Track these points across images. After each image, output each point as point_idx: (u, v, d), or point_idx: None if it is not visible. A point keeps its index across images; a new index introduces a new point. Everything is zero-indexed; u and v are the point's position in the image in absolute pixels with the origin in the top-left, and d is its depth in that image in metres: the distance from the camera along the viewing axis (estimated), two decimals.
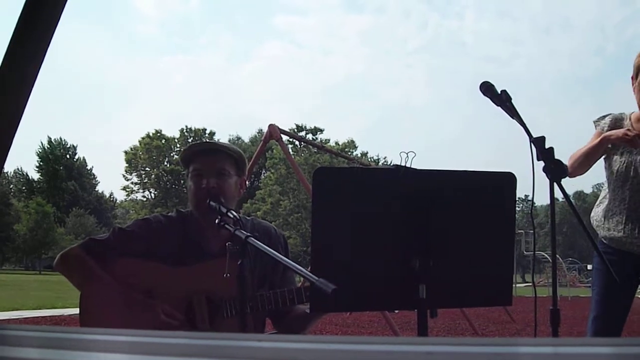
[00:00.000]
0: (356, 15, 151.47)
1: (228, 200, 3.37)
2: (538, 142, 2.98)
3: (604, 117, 4.60)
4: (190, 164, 3.50)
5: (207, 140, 3.69)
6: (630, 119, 4.50)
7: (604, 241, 4.54)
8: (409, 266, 2.72)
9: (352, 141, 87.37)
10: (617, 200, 4.44)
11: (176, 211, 3.68)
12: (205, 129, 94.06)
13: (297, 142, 68.85)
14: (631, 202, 4.37)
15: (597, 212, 4.68)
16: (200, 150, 3.54)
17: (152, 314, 3.31)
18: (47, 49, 1.82)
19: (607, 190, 4.61)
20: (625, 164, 4.36)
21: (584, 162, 4.40)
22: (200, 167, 3.46)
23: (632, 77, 4.38)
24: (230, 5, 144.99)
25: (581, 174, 4.46)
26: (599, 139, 4.33)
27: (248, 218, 3.69)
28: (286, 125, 66.58)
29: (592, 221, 4.69)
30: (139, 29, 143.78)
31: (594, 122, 4.64)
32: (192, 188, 3.46)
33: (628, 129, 4.23)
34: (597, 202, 4.78)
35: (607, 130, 4.44)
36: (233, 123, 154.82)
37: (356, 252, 2.79)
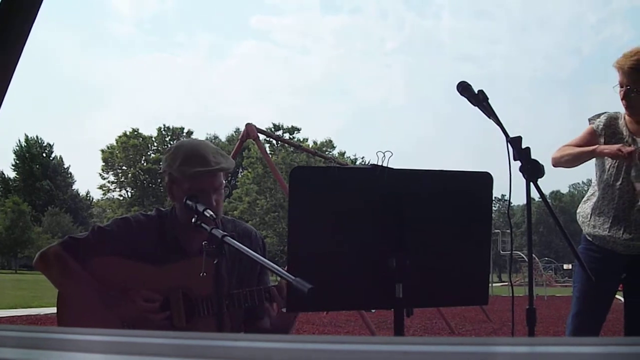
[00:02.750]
0: (333, 16, 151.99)
1: (220, 208, 3.40)
2: (515, 142, 2.99)
3: (599, 115, 4.60)
4: (189, 180, 3.41)
5: (213, 165, 3.53)
6: (624, 119, 4.50)
7: (588, 238, 4.56)
8: (386, 266, 2.72)
9: (330, 141, 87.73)
10: (606, 200, 4.46)
11: (156, 210, 3.66)
12: (183, 128, 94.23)
13: (274, 141, 69.03)
14: (620, 202, 4.39)
15: (584, 209, 4.71)
16: (205, 170, 3.46)
17: (131, 304, 3.31)
18: (23, 48, 1.81)
19: (595, 187, 4.62)
20: (617, 164, 4.37)
21: (571, 161, 4.46)
22: (202, 187, 3.37)
23: (619, 82, 4.39)
24: (207, 4, 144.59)
25: (564, 168, 4.52)
26: (592, 148, 4.32)
27: (229, 219, 3.69)
28: (263, 124, 66.71)
29: (578, 217, 4.72)
30: (115, 27, 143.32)
31: (589, 119, 4.64)
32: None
33: (622, 145, 4.22)
34: (585, 198, 4.81)
35: (602, 129, 4.47)
36: (210, 122, 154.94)
37: (333, 251, 2.79)
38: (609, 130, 4.46)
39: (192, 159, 3.43)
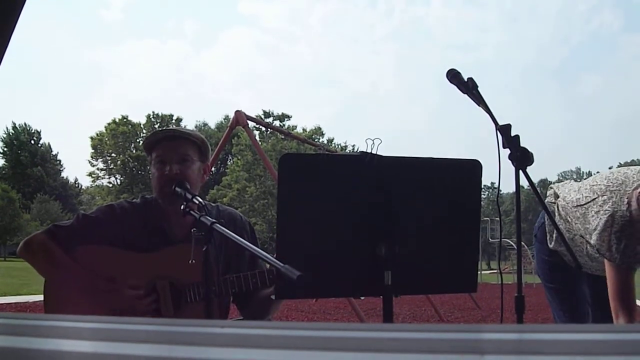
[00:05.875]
0: (322, 3, 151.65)
1: (191, 187, 3.35)
2: (504, 130, 2.98)
3: (627, 256, 3.70)
4: (153, 151, 3.47)
5: (170, 127, 3.65)
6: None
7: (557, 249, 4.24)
8: (375, 253, 2.73)
9: (319, 128, 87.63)
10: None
11: (141, 197, 3.66)
12: (172, 115, 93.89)
13: (263, 129, 68.91)
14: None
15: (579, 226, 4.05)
16: (162, 137, 3.51)
17: (117, 293, 3.31)
18: (11, 36, 1.80)
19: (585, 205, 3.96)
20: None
21: None
22: (163, 153, 3.43)
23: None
24: None
25: None
26: None
27: (214, 205, 3.68)
28: (253, 111, 66.70)
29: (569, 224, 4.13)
30: (102, 13, 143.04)
31: (616, 262, 3.74)
32: (156, 175, 3.44)
33: None
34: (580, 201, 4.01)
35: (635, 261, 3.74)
36: (199, 109, 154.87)
37: (322, 238, 2.80)
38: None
39: (155, 131, 3.62)
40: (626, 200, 3.66)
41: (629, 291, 3.77)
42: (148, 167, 3.65)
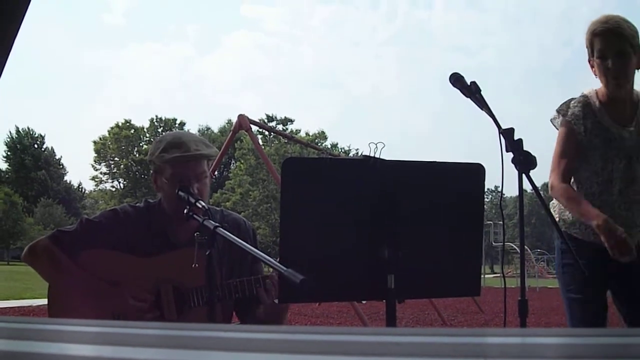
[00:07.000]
0: (324, 5, 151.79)
1: (204, 198, 3.33)
2: (507, 134, 2.98)
3: (568, 106, 4.09)
4: (170, 167, 3.40)
5: (178, 131, 3.58)
6: (598, 99, 4.07)
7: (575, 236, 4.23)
8: (378, 256, 2.72)
9: (323, 132, 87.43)
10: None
11: (144, 202, 3.65)
12: (175, 119, 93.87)
13: (266, 133, 68.87)
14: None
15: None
16: (182, 155, 3.40)
17: (121, 298, 3.31)
18: (14, 40, 1.80)
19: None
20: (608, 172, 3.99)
21: (566, 208, 4.06)
22: (182, 172, 3.36)
23: (588, 61, 4.08)
24: None
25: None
26: (595, 223, 3.75)
27: (217, 209, 3.67)
28: (256, 115, 66.52)
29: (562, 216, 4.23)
30: (105, 17, 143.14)
31: (558, 111, 4.14)
32: (171, 194, 3.39)
33: (619, 236, 3.69)
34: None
35: (581, 122, 4.00)
36: (202, 113, 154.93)
37: (325, 242, 2.79)
38: (587, 121, 4.03)
39: (172, 146, 3.46)
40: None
41: (564, 156, 4.04)
42: (151, 172, 3.61)
